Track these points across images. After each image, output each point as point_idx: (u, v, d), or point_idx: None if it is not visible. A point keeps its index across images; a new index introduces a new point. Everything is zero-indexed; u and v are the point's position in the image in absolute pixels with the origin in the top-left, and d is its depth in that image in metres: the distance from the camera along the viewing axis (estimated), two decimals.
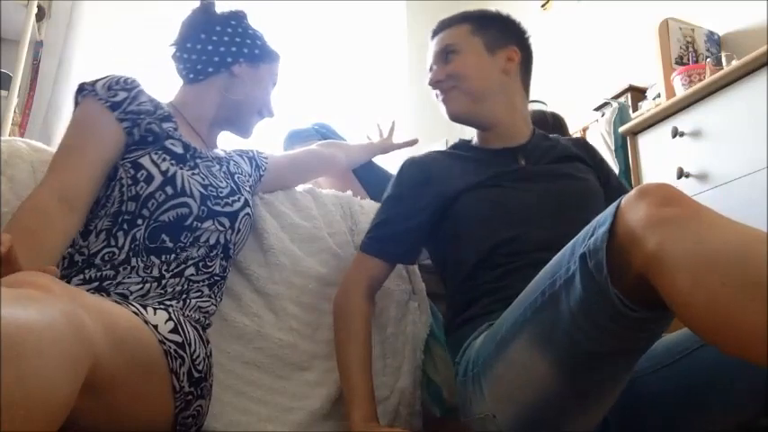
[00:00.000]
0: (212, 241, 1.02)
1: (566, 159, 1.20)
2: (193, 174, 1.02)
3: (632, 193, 0.66)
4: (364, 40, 3.34)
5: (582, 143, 1.30)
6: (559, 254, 0.77)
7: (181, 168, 1.00)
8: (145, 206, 0.96)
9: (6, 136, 2.09)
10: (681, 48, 1.96)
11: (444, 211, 1.15)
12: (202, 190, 1.01)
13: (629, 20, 2.47)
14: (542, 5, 3.01)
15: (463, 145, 1.29)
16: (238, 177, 1.14)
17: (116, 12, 2.74)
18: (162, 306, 0.89)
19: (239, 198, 1.08)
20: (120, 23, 2.72)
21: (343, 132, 1.88)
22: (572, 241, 0.75)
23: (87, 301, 0.62)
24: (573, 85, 2.73)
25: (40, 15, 2.53)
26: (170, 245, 0.97)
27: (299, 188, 1.38)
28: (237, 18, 1.18)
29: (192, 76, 1.15)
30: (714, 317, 0.55)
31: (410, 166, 1.22)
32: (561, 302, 0.73)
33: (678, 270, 0.58)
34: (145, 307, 0.84)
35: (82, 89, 1.03)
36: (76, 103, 1.03)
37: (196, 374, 0.86)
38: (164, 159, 1.00)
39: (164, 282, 0.96)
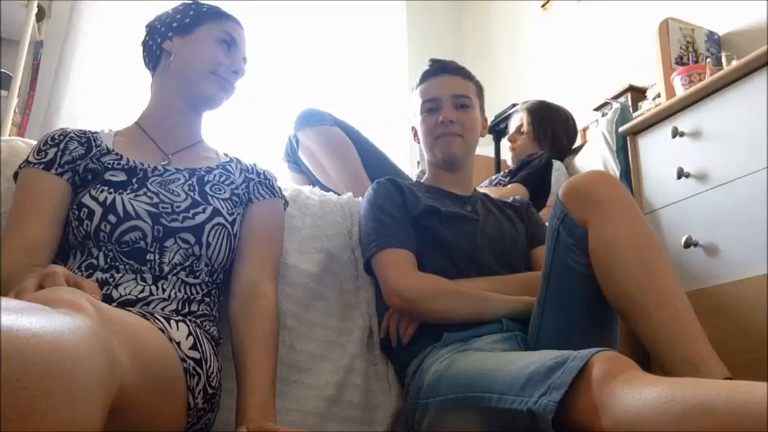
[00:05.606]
0: (178, 260, 0.97)
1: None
2: (137, 195, 0.99)
3: (597, 369, 0.70)
4: (364, 40, 3.34)
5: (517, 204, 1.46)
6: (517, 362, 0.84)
7: (120, 194, 0.98)
8: (97, 240, 0.95)
9: (6, 136, 2.09)
10: (681, 48, 1.95)
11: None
12: (151, 209, 0.98)
13: (629, 20, 2.47)
14: (542, 5, 3.01)
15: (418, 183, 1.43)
16: (211, 187, 1.08)
17: (116, 11, 2.74)
18: (179, 317, 0.89)
19: (204, 209, 1.02)
20: (121, 23, 2.72)
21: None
22: (534, 360, 0.80)
23: (117, 325, 0.61)
24: (573, 85, 2.73)
25: (40, 15, 2.53)
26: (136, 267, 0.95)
27: (306, 188, 1.38)
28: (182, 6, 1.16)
29: (150, 70, 1.17)
30: None
31: (383, 183, 1.32)
32: (504, 423, 0.81)
33: None
34: (168, 320, 0.84)
35: (16, 172, 1.04)
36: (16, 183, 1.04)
37: (210, 391, 0.86)
38: (102, 191, 0.98)
39: (160, 286, 0.95)
